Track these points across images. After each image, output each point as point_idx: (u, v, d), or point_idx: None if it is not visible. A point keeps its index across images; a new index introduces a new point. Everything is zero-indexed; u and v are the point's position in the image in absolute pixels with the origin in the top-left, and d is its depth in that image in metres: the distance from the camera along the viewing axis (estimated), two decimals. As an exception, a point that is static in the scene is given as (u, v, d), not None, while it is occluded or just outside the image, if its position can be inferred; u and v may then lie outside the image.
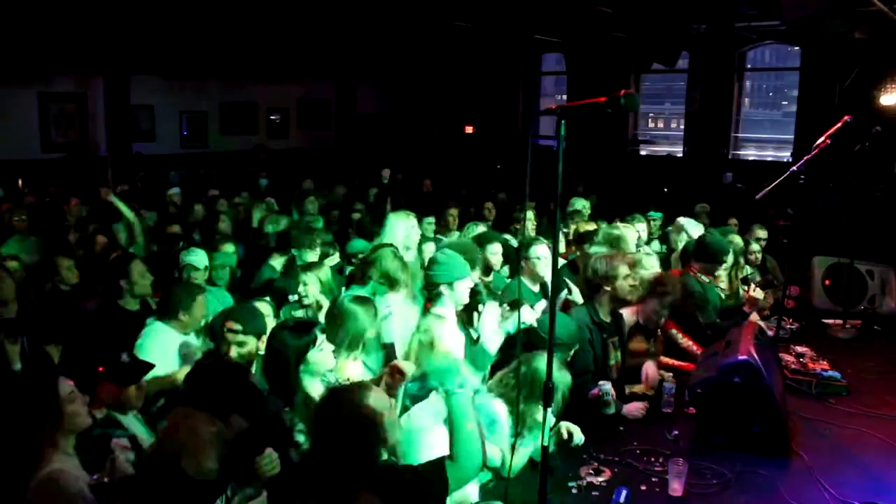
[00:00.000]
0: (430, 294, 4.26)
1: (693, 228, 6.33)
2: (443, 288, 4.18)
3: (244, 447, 2.55)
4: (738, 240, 6.23)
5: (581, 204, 7.33)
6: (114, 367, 3.05)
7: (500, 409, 3.43)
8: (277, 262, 5.59)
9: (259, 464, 2.59)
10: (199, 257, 5.05)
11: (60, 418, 2.58)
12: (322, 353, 3.26)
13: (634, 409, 4.06)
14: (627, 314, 4.60)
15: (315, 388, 3.27)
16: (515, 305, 4.29)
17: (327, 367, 3.32)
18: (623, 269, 4.29)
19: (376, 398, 2.54)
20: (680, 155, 13.47)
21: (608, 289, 4.29)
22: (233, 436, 2.50)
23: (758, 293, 5.00)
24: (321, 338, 3.27)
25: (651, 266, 5.21)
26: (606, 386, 3.88)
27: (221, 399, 2.52)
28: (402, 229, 5.29)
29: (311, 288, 4.57)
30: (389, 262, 4.41)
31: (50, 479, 2.47)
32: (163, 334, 3.95)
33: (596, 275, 4.32)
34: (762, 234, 6.67)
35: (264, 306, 4.08)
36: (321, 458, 2.53)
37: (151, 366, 3.22)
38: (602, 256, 4.46)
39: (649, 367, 4.41)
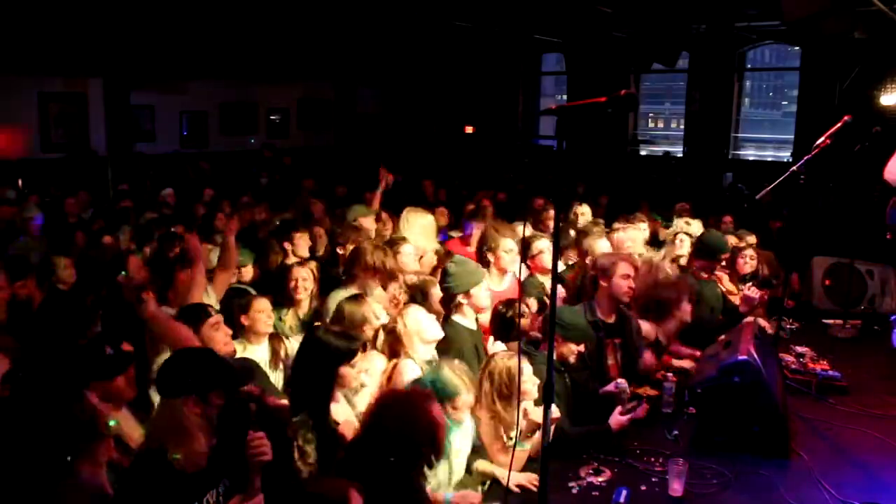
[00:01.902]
0: (448, 305, 4.31)
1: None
2: (460, 297, 4.21)
3: (230, 425, 2.53)
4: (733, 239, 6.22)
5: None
6: (98, 362, 3.05)
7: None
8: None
9: (250, 446, 2.55)
10: None
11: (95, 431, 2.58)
12: (353, 371, 3.18)
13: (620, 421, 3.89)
14: (646, 329, 4.61)
15: (335, 404, 3.23)
16: (510, 305, 4.33)
17: (353, 385, 3.26)
18: (623, 268, 4.28)
19: (439, 410, 2.66)
20: (680, 155, 13.48)
21: (605, 285, 4.29)
22: (216, 413, 2.50)
23: (753, 291, 5.00)
24: (359, 356, 3.20)
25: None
26: (624, 384, 3.91)
27: (196, 380, 2.50)
28: (418, 227, 5.34)
29: (307, 283, 4.53)
30: (370, 256, 4.42)
31: (72, 486, 2.47)
32: None
33: (595, 268, 4.34)
34: (751, 239, 6.66)
35: (263, 302, 4.07)
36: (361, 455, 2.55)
37: (134, 356, 3.23)
38: (607, 253, 4.47)
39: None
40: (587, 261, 5.21)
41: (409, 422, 2.55)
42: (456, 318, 4.29)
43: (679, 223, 6.68)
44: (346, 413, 3.31)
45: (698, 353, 4.76)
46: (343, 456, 2.83)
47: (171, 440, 2.41)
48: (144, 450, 2.51)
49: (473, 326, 4.35)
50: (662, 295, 4.70)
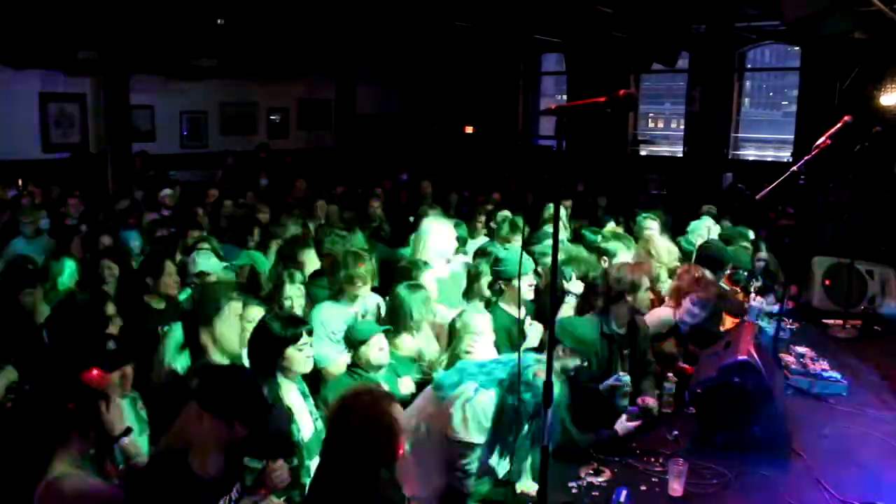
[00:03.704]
0: (492, 288, 4.44)
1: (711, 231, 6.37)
2: (502, 284, 4.30)
3: (249, 451, 2.56)
4: (744, 243, 6.21)
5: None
6: (101, 354, 3.10)
7: None
8: None
9: (270, 475, 2.63)
10: (212, 262, 5.04)
11: (91, 426, 2.59)
12: (300, 354, 3.25)
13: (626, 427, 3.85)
14: (666, 313, 4.60)
15: (287, 390, 3.27)
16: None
17: (301, 370, 3.31)
18: (646, 281, 4.27)
19: (400, 412, 2.61)
20: (680, 155, 13.47)
21: (629, 300, 4.24)
22: (236, 441, 2.52)
23: (757, 301, 5.00)
24: (305, 339, 3.27)
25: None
26: (626, 377, 3.90)
27: (228, 404, 2.52)
28: (438, 239, 5.19)
29: (300, 300, 4.52)
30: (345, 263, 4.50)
31: (55, 482, 2.49)
32: None
33: (618, 285, 4.24)
34: (749, 234, 6.67)
35: (258, 309, 4.06)
36: (328, 458, 2.53)
37: (134, 353, 3.27)
38: (624, 266, 4.42)
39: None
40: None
41: (369, 423, 2.52)
42: (501, 303, 4.44)
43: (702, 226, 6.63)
44: (300, 400, 3.35)
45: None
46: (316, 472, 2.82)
47: (191, 447, 2.44)
48: (164, 449, 2.54)
49: (516, 314, 4.36)
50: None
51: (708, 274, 4.83)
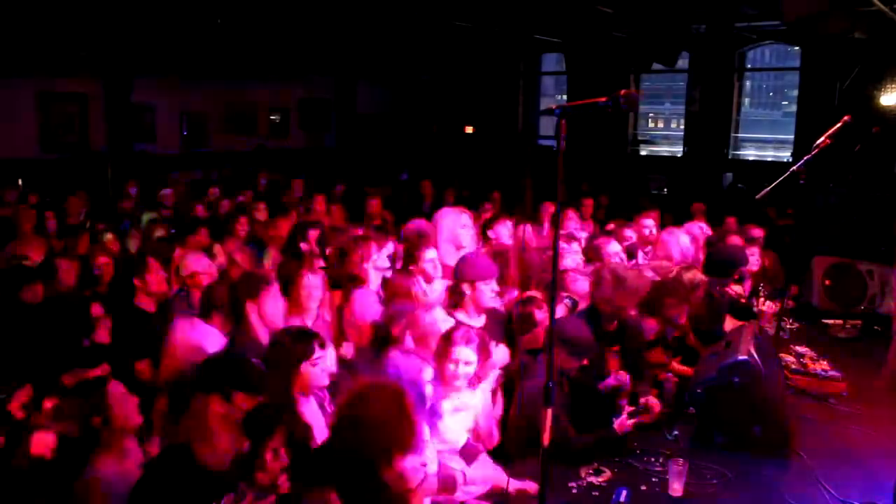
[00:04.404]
0: (452, 295, 4.26)
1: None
2: (464, 287, 4.16)
3: (254, 429, 2.56)
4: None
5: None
6: (78, 353, 3.11)
7: None
8: None
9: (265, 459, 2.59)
10: (204, 262, 5.00)
11: (110, 420, 2.60)
12: (315, 368, 3.19)
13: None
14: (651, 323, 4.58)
15: (304, 405, 3.23)
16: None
17: (319, 385, 3.26)
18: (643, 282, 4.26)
19: (415, 406, 2.62)
20: (680, 155, 13.48)
21: (617, 295, 4.23)
22: (240, 415, 2.52)
23: (768, 306, 5.00)
24: (319, 353, 3.21)
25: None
26: (624, 376, 3.90)
27: (222, 379, 2.54)
28: (450, 226, 5.10)
29: (317, 291, 4.36)
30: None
31: (87, 482, 2.50)
32: None
33: (615, 278, 4.20)
34: (757, 233, 6.65)
35: None
36: (339, 441, 2.53)
37: (111, 351, 3.27)
38: (618, 264, 4.40)
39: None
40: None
41: (378, 415, 2.51)
42: (457, 313, 4.20)
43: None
44: (317, 415, 3.29)
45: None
46: (317, 451, 2.82)
47: (195, 436, 2.45)
48: (171, 443, 2.55)
49: (475, 324, 4.22)
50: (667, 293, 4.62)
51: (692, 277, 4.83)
